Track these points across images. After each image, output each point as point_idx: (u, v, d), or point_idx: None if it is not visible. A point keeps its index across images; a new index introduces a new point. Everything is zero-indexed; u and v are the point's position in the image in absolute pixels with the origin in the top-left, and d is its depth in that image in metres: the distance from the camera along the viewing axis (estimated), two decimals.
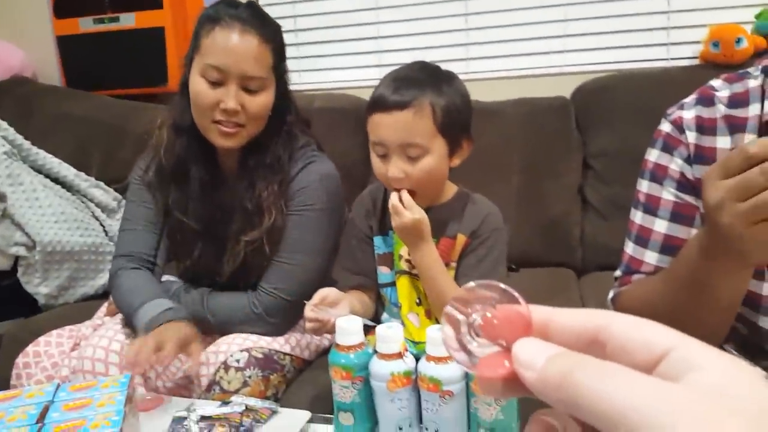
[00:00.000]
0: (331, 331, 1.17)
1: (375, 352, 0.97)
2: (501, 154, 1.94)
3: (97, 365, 1.31)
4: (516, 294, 0.34)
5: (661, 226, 1.12)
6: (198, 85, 1.35)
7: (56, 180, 2.14)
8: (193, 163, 1.45)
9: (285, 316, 1.42)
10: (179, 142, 1.44)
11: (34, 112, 2.41)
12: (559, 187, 1.94)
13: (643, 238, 1.15)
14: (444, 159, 1.28)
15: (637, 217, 1.16)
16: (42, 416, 0.90)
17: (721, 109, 1.08)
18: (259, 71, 1.36)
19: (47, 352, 1.40)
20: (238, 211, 1.43)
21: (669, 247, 1.11)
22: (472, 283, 0.35)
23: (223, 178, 1.48)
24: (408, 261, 1.35)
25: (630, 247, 1.17)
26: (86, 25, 2.56)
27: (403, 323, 1.33)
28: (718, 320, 1.02)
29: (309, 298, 1.40)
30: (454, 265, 1.34)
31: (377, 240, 1.39)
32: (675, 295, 1.00)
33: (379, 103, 1.26)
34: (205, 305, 1.41)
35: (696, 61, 2.03)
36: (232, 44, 1.33)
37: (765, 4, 1.95)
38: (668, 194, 1.12)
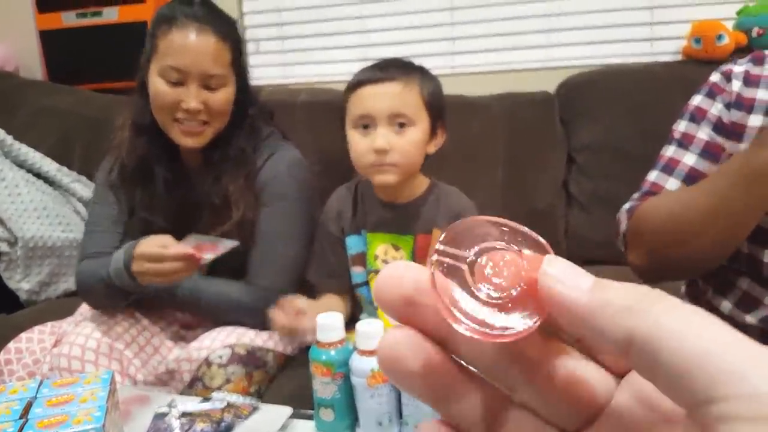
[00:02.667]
0: (296, 333, 1.19)
1: (355, 348, 0.98)
2: (486, 148, 1.94)
3: (73, 363, 1.30)
4: (541, 240, 0.25)
5: (690, 159, 1.21)
6: (158, 85, 1.35)
7: (38, 175, 2.12)
8: (156, 161, 1.43)
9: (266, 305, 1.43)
10: (140, 141, 1.43)
11: (16, 106, 2.39)
12: (543, 181, 1.94)
13: (670, 167, 1.24)
14: (426, 137, 1.31)
15: (669, 150, 1.25)
16: (25, 412, 0.90)
17: None
18: (218, 69, 1.36)
19: (29, 348, 1.39)
20: (206, 206, 1.42)
21: (692, 177, 1.20)
22: (468, 219, 0.26)
23: (188, 175, 1.47)
24: (385, 261, 1.36)
25: (653, 175, 1.25)
26: (69, 19, 2.53)
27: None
28: (730, 239, 1.09)
29: (293, 286, 1.42)
30: None
31: (350, 240, 1.40)
32: (699, 205, 1.07)
33: (366, 79, 1.29)
34: (198, 287, 1.40)
35: (679, 57, 2.04)
36: (190, 44, 1.33)
37: (746, 1, 1.96)
38: (703, 134, 1.21)
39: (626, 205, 1.27)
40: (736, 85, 1.18)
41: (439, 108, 1.33)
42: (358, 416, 1.00)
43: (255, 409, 1.09)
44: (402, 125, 1.27)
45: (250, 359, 1.34)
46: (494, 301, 0.24)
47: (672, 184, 1.22)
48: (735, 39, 1.89)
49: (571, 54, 2.16)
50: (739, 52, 1.86)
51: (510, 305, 0.24)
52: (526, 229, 0.25)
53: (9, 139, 2.12)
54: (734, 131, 1.17)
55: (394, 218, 1.37)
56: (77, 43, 2.53)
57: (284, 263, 1.43)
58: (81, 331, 1.35)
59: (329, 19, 2.38)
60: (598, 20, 2.13)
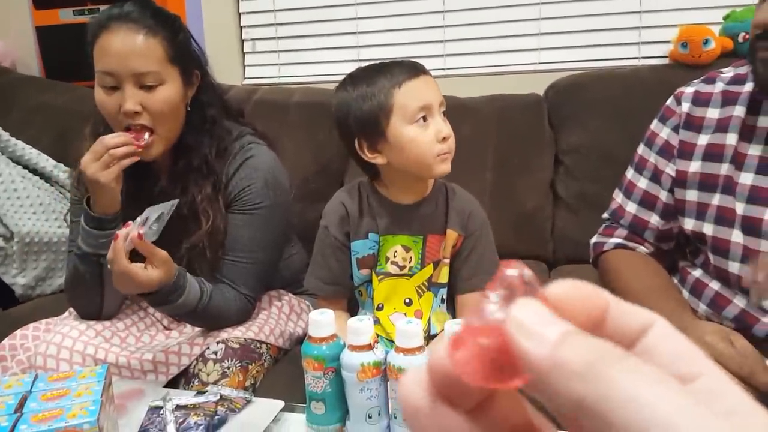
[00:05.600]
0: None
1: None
2: (475, 150, 1.97)
3: (48, 361, 1.30)
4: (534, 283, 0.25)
5: (642, 183, 1.37)
6: (98, 94, 1.33)
7: (35, 171, 2.14)
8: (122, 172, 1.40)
9: (248, 313, 1.46)
10: None
11: (12, 102, 2.40)
12: (531, 183, 1.97)
13: (628, 191, 1.41)
14: None
15: (629, 172, 1.41)
16: (20, 406, 0.92)
17: (720, 86, 1.26)
18: (149, 65, 1.30)
19: (23, 345, 1.39)
20: (175, 217, 1.37)
21: (645, 201, 1.37)
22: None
23: (155, 185, 1.45)
24: (395, 263, 1.36)
25: (619, 196, 1.44)
26: (66, 16, 2.56)
27: (377, 321, 1.36)
28: None
29: (264, 290, 1.48)
30: (446, 261, 1.35)
31: (356, 245, 1.37)
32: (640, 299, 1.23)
33: (414, 70, 1.28)
34: (205, 292, 1.37)
35: (666, 61, 2.07)
36: (117, 45, 1.29)
37: (733, 6, 1.99)
38: (653, 158, 1.34)
39: (594, 239, 1.46)
40: (686, 107, 1.28)
41: None
42: (348, 410, 1.03)
43: (248, 402, 1.12)
44: (445, 114, 1.29)
45: (245, 353, 1.35)
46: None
47: (631, 207, 1.39)
48: (721, 44, 1.92)
49: (560, 57, 2.20)
50: (725, 56, 1.89)
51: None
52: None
53: (5, 136, 2.13)
54: (684, 150, 1.28)
55: (405, 219, 1.35)
56: (74, 40, 2.53)
57: (261, 270, 1.44)
58: (60, 329, 1.35)
59: (324, 20, 2.40)
60: (587, 24, 2.16)
